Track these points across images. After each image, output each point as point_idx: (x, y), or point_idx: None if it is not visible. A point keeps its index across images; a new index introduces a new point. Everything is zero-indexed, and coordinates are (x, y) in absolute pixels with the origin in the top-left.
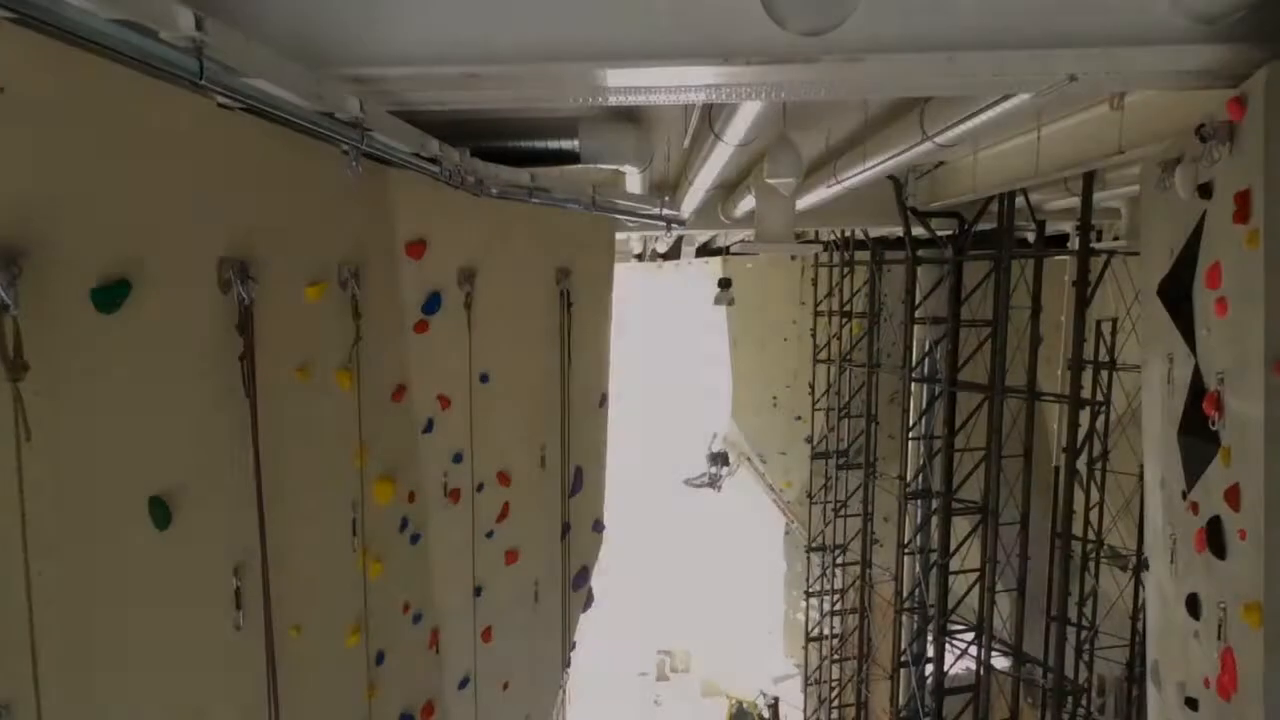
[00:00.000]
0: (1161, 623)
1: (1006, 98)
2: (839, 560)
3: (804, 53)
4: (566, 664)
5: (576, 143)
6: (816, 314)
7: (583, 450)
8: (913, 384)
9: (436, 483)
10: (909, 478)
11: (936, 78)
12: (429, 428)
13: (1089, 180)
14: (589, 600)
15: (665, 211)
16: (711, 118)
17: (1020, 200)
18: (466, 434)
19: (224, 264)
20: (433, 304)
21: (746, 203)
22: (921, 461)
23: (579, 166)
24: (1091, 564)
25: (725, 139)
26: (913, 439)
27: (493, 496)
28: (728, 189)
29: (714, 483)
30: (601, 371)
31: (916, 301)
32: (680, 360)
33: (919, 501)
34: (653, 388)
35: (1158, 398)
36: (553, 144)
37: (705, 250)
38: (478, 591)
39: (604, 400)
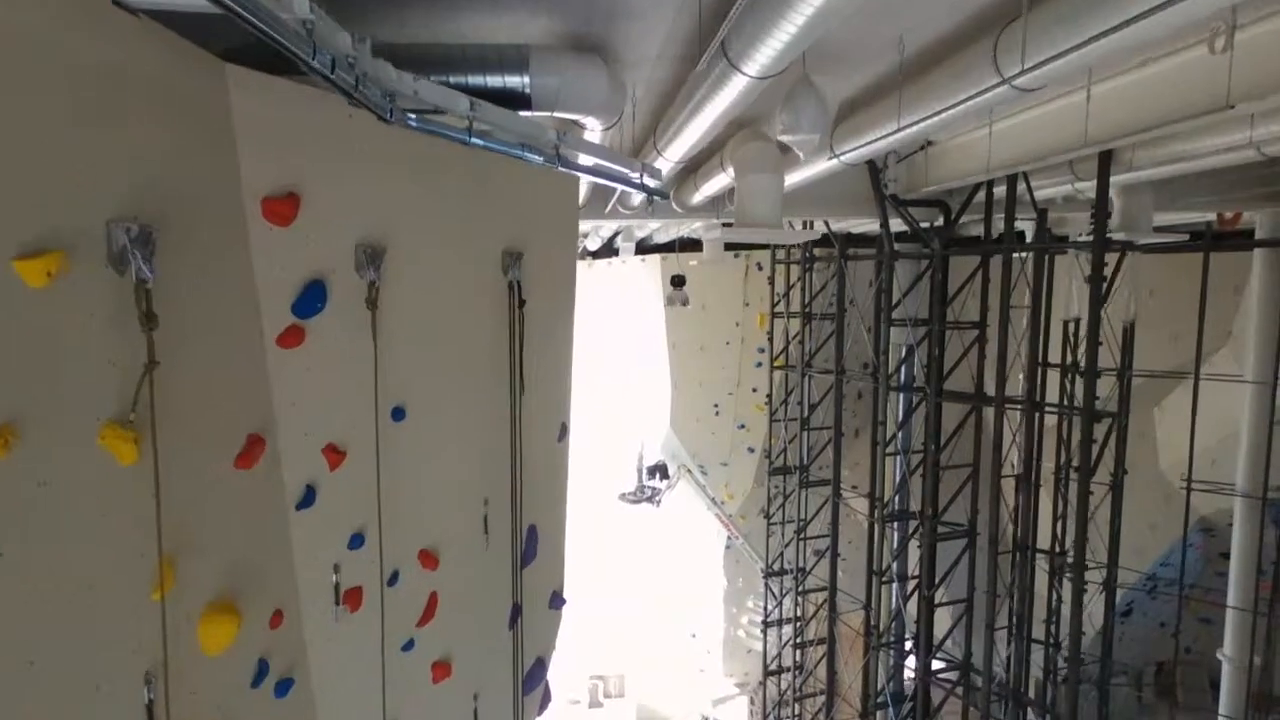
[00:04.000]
0: None
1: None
2: (801, 587)
3: None
4: None
5: (526, 79)
6: (774, 315)
7: (538, 502)
8: (887, 393)
9: (319, 587)
10: (882, 496)
11: None
12: (307, 501)
13: (1105, 161)
14: (545, 700)
15: (647, 179)
16: (726, 46)
17: (1008, 192)
18: (370, 502)
19: None
20: (311, 299)
21: (712, 185)
22: (898, 479)
23: (525, 116)
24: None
25: (744, 69)
26: (890, 454)
27: (413, 588)
28: (683, 175)
29: (653, 497)
30: (561, 393)
31: (895, 300)
32: (617, 366)
33: (895, 524)
34: (586, 396)
35: None
36: (494, 79)
37: (645, 248)
38: None
39: (564, 432)
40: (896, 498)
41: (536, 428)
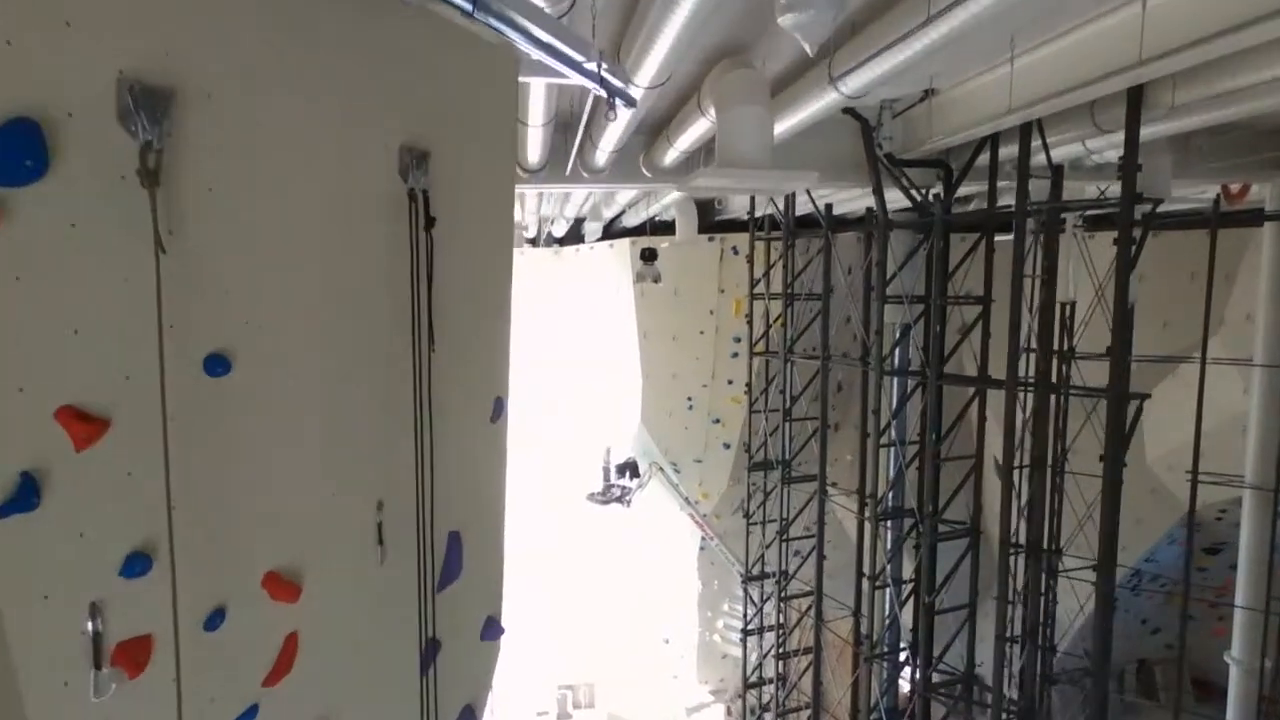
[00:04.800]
0: None
1: None
2: (784, 592)
3: None
4: None
5: None
6: (753, 296)
7: (463, 501)
8: (881, 378)
9: (55, 642)
10: (875, 493)
11: None
12: (19, 501)
13: (1136, 98)
14: None
15: (606, 73)
16: None
17: (1021, 146)
18: (158, 498)
19: None
20: (12, 151)
21: (688, 137)
22: (892, 473)
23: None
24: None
25: None
26: (884, 446)
27: (252, 631)
28: (653, 132)
29: (622, 497)
30: (496, 356)
31: (889, 274)
32: (585, 358)
33: (888, 523)
34: (554, 389)
35: None
36: None
37: (614, 233)
38: None
39: (500, 410)
40: (890, 494)
41: (457, 400)
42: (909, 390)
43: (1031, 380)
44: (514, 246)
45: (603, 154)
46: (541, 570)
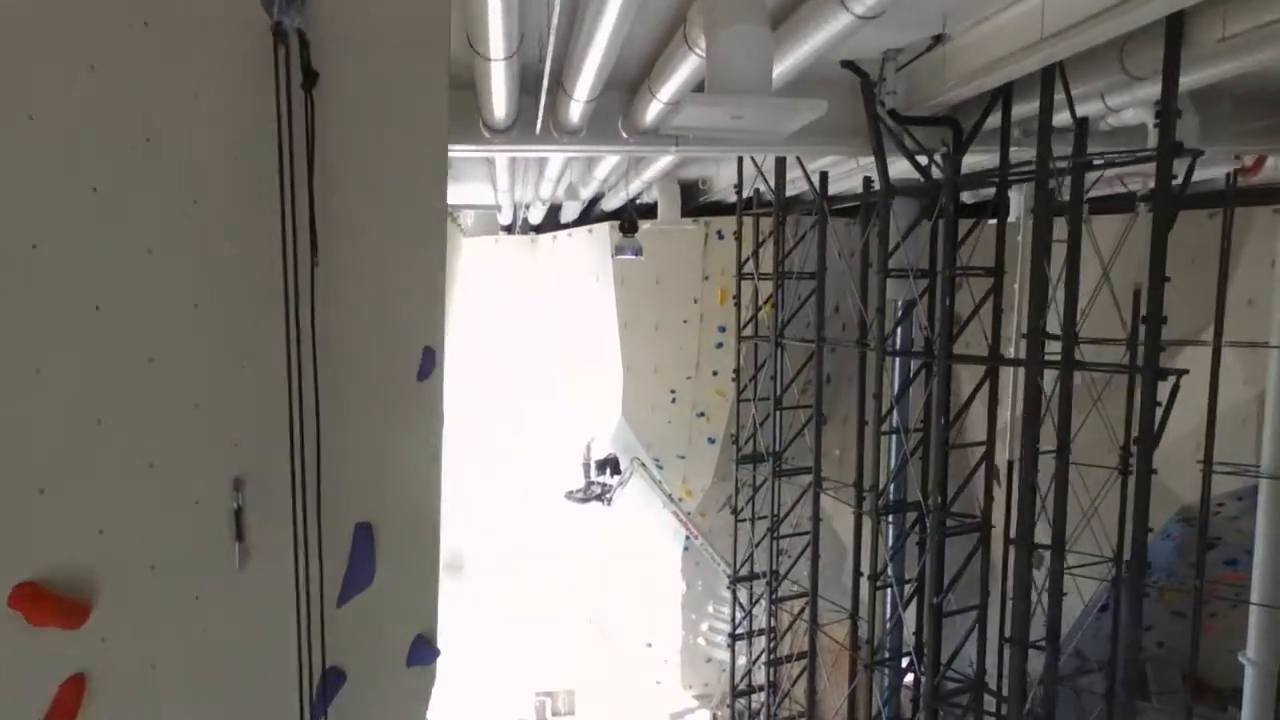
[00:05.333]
0: None
1: None
2: (775, 594)
3: None
4: None
5: None
6: (740, 277)
7: (376, 483)
8: (882, 360)
9: None
10: (876, 485)
11: None
12: None
13: (1176, 28)
14: None
15: None
16: None
17: (1043, 96)
18: None
19: None
20: None
21: (673, 83)
22: (894, 463)
23: None
24: None
25: None
26: (885, 434)
27: None
28: (632, 88)
29: (603, 495)
30: (422, 294)
31: (892, 246)
32: (565, 350)
33: (890, 518)
34: (530, 381)
35: None
36: None
37: (591, 217)
38: None
39: (431, 364)
40: (892, 486)
41: (364, 346)
42: (913, 372)
43: (1055, 358)
44: (474, 228)
45: (577, 105)
46: (517, 570)
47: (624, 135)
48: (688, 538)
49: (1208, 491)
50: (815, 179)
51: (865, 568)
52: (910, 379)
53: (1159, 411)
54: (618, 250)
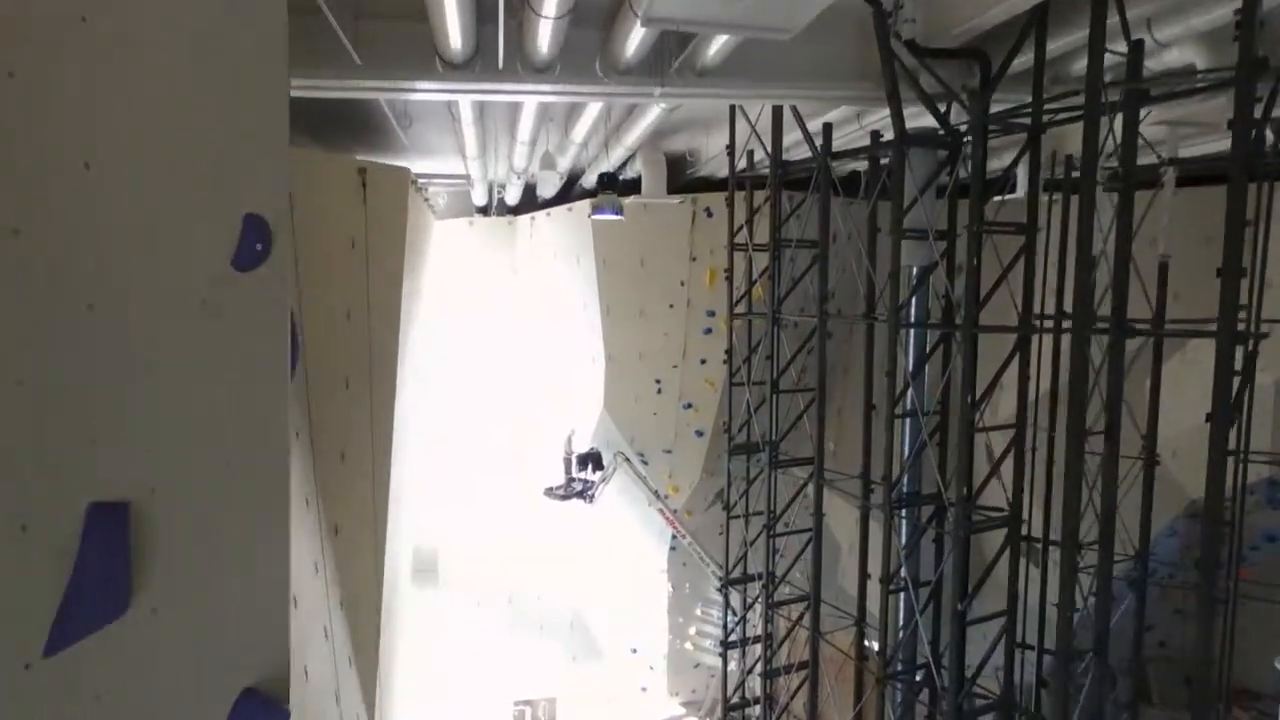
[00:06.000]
0: None
1: None
2: (772, 598)
3: None
4: None
5: None
6: (733, 248)
7: (142, 439)
8: (896, 333)
9: None
10: (888, 476)
11: None
12: None
13: None
14: None
15: None
16: None
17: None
18: None
19: None
20: None
21: None
22: (907, 451)
23: None
24: None
25: None
26: (898, 418)
27: None
28: (608, 22)
29: (584, 492)
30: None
31: (907, 203)
32: (544, 338)
33: (903, 513)
34: (510, 372)
35: None
36: None
37: (571, 195)
38: None
39: (258, 242)
40: (906, 477)
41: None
42: (930, 347)
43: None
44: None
45: (546, 27)
46: (494, 574)
47: (601, 74)
48: (674, 537)
49: (1243, 483)
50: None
51: (872, 568)
52: (928, 354)
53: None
54: (595, 208)
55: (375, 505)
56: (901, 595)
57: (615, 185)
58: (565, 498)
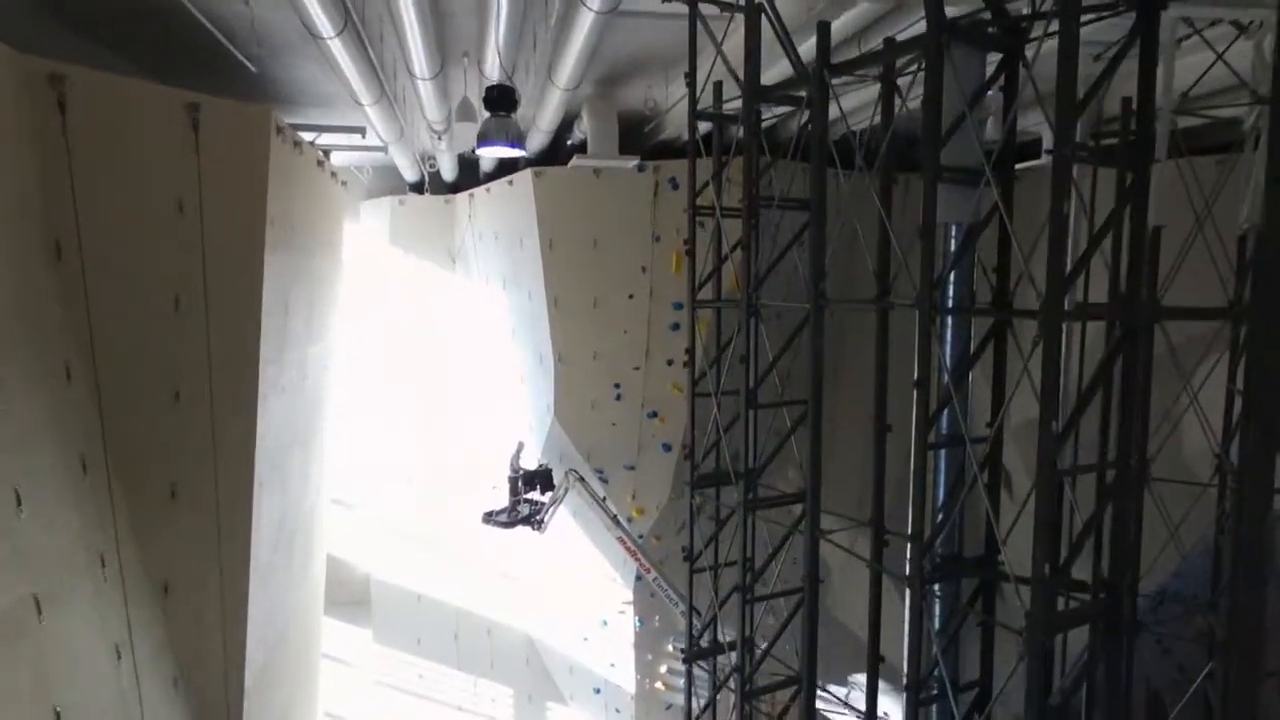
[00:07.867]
0: None
1: None
2: (749, 681)
3: None
4: None
5: None
6: (695, 210)
7: None
8: (930, 322)
9: None
10: (916, 533)
11: None
12: None
13: None
14: None
15: None
16: None
17: None
18: None
19: None
20: None
21: None
22: (941, 496)
23: None
24: None
25: None
26: (933, 447)
27: None
28: None
29: (531, 518)
30: None
31: (946, 129)
32: (487, 338)
33: (935, 587)
34: (449, 379)
35: None
36: None
37: (511, 167)
38: None
39: None
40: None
41: None
42: (978, 343)
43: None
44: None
45: None
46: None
47: None
48: (639, 571)
49: None
50: (805, 70)
51: (893, 652)
52: (977, 353)
53: None
54: (482, 138)
55: (226, 553)
56: (934, 706)
57: (509, 103)
58: (509, 525)
